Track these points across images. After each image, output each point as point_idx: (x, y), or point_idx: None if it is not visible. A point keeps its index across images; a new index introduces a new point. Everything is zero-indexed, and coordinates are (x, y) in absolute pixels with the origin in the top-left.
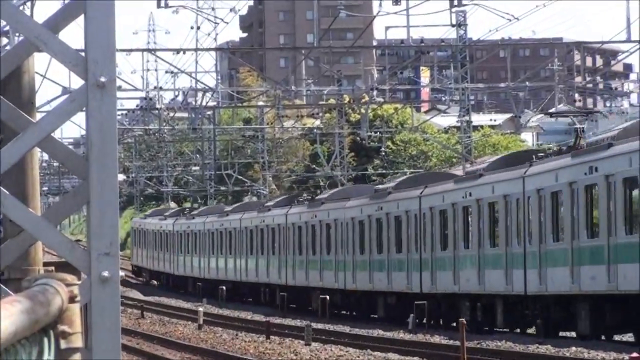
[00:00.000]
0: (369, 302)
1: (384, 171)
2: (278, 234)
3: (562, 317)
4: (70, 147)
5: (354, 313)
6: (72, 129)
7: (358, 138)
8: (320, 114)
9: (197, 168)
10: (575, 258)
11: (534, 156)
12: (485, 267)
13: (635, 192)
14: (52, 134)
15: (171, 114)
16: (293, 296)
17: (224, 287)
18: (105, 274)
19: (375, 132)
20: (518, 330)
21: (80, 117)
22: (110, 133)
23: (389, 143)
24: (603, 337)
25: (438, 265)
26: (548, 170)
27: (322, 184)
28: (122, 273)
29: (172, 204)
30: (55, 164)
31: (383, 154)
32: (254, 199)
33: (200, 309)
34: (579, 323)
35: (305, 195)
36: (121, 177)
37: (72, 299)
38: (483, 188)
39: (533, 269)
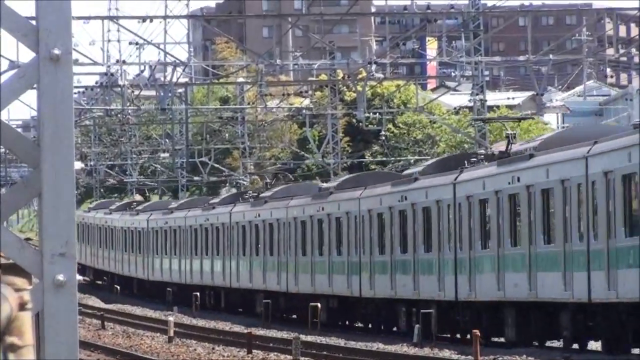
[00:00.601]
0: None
1: (384, 158)
2: (222, 234)
3: (491, 324)
4: (19, 130)
5: (295, 316)
6: (21, 110)
7: (354, 120)
8: (310, 92)
9: (166, 155)
10: (500, 265)
11: (466, 161)
12: (420, 273)
13: (552, 203)
14: None
15: (136, 92)
16: (237, 299)
17: (198, 294)
18: (60, 277)
19: (374, 113)
20: (458, 336)
21: (30, 96)
22: (65, 114)
23: (390, 126)
24: (536, 344)
25: (377, 269)
26: (477, 177)
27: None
28: (79, 277)
29: (137, 197)
30: (2, 150)
31: (383, 138)
32: (233, 190)
33: (171, 318)
34: (506, 330)
35: (250, 192)
36: (78, 165)
37: (22, 307)
38: (418, 192)
39: (463, 275)
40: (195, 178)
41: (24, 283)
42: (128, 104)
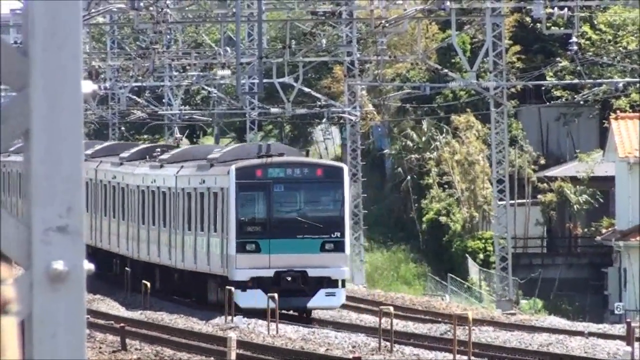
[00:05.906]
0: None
1: (575, 80)
2: (128, 196)
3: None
4: None
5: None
6: None
7: (528, 19)
8: None
9: (227, 73)
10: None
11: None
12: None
13: (218, 203)
14: None
15: None
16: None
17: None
18: (59, 266)
19: (561, 8)
20: None
21: None
22: (68, 5)
23: (586, 28)
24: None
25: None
26: (189, 175)
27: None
28: (90, 265)
29: (179, 137)
30: None
31: (575, 49)
32: (333, 130)
33: (232, 334)
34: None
35: (158, 150)
36: (89, 86)
37: (2, 308)
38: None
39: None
40: (273, 110)
41: (6, 271)
42: None
